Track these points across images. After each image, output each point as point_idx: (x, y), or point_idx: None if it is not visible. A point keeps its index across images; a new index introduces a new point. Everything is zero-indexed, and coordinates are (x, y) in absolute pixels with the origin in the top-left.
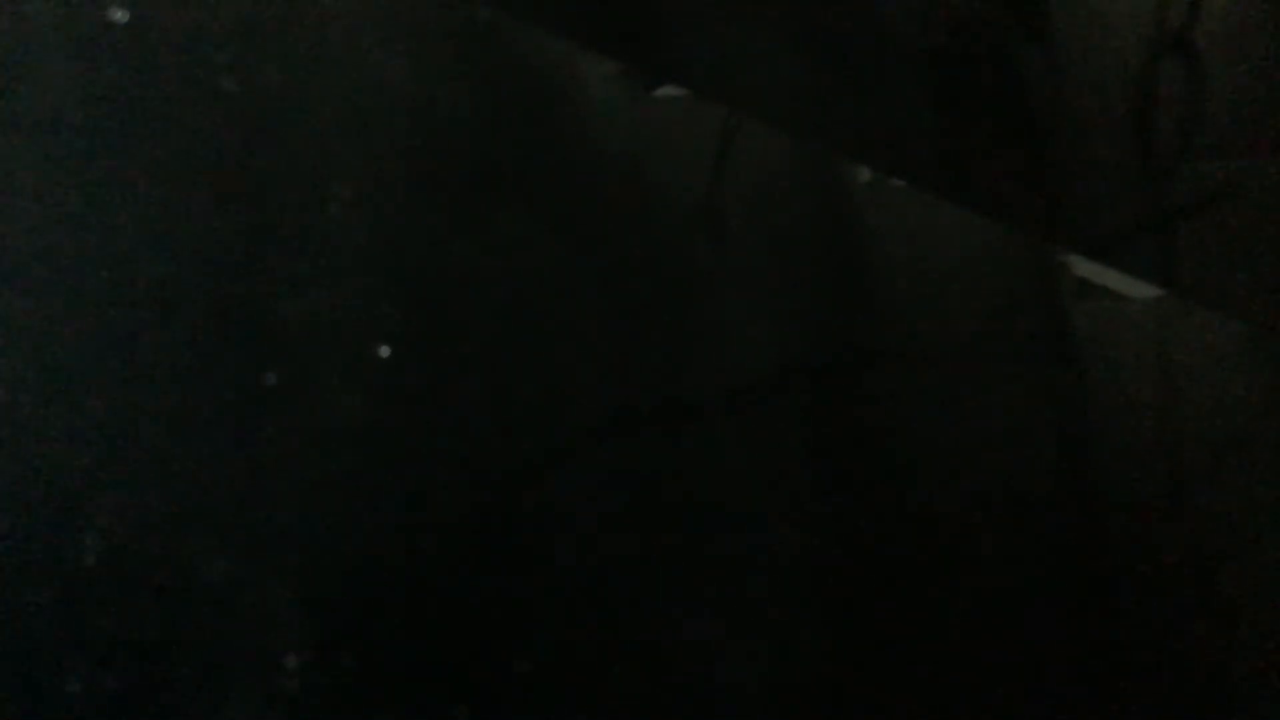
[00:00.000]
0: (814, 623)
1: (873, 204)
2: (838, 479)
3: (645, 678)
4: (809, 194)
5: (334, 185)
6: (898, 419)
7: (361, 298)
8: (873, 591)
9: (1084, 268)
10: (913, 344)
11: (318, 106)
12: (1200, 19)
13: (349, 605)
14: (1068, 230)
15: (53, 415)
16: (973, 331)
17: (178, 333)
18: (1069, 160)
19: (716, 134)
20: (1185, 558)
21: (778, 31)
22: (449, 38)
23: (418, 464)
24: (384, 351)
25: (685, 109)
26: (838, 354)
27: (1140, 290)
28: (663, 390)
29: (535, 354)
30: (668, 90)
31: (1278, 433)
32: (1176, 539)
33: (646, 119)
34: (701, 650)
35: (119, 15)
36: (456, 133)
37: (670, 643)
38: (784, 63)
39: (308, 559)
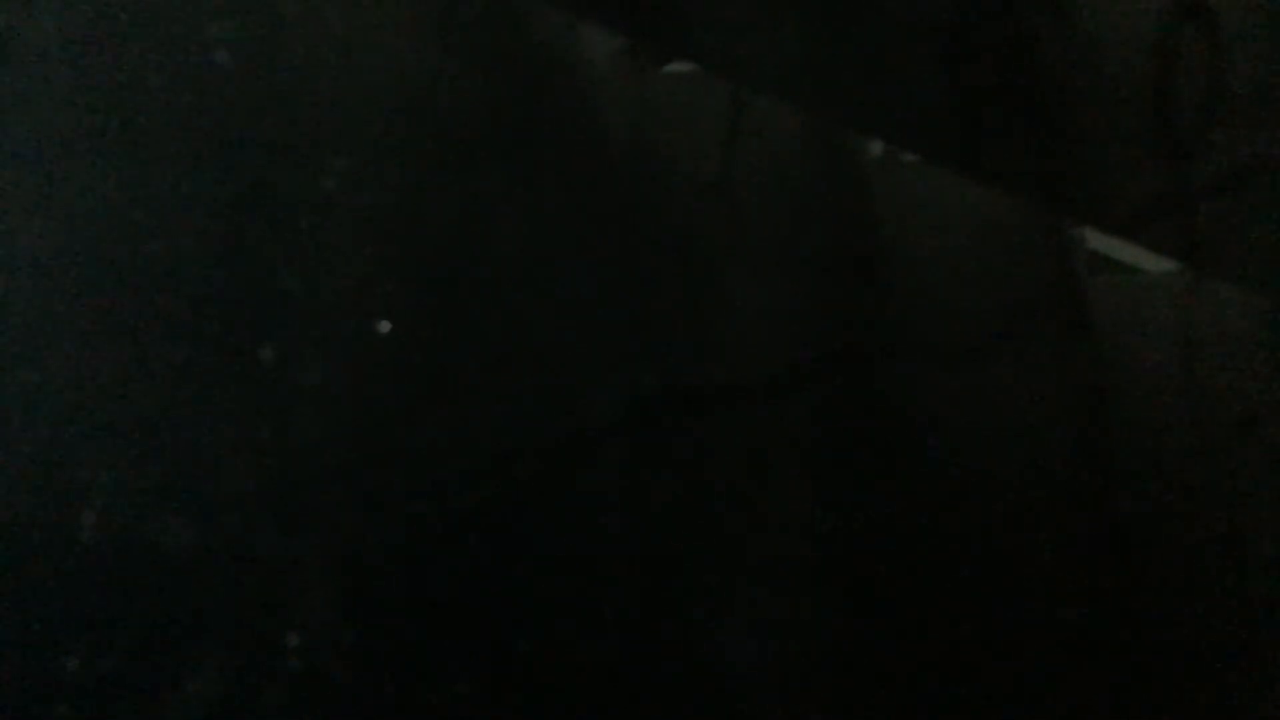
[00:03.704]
0: (835, 611)
1: (886, 179)
2: (855, 462)
3: (659, 666)
4: (821, 170)
5: (331, 159)
6: (914, 398)
7: (360, 273)
8: (895, 576)
9: (1101, 242)
10: (927, 322)
11: (315, 81)
12: None
13: (351, 583)
14: (1085, 204)
15: (48, 390)
16: (988, 307)
17: (173, 307)
18: (1086, 132)
19: (726, 110)
20: (1208, 533)
21: (787, 4)
22: (451, 10)
23: (420, 442)
24: (384, 327)
25: (694, 85)
26: (852, 332)
27: (1160, 265)
28: (674, 373)
29: (542, 335)
30: (676, 66)
31: None
32: (1199, 515)
33: (655, 95)
34: (719, 639)
35: None
36: (459, 108)
37: (687, 631)
38: (794, 36)
39: (308, 536)
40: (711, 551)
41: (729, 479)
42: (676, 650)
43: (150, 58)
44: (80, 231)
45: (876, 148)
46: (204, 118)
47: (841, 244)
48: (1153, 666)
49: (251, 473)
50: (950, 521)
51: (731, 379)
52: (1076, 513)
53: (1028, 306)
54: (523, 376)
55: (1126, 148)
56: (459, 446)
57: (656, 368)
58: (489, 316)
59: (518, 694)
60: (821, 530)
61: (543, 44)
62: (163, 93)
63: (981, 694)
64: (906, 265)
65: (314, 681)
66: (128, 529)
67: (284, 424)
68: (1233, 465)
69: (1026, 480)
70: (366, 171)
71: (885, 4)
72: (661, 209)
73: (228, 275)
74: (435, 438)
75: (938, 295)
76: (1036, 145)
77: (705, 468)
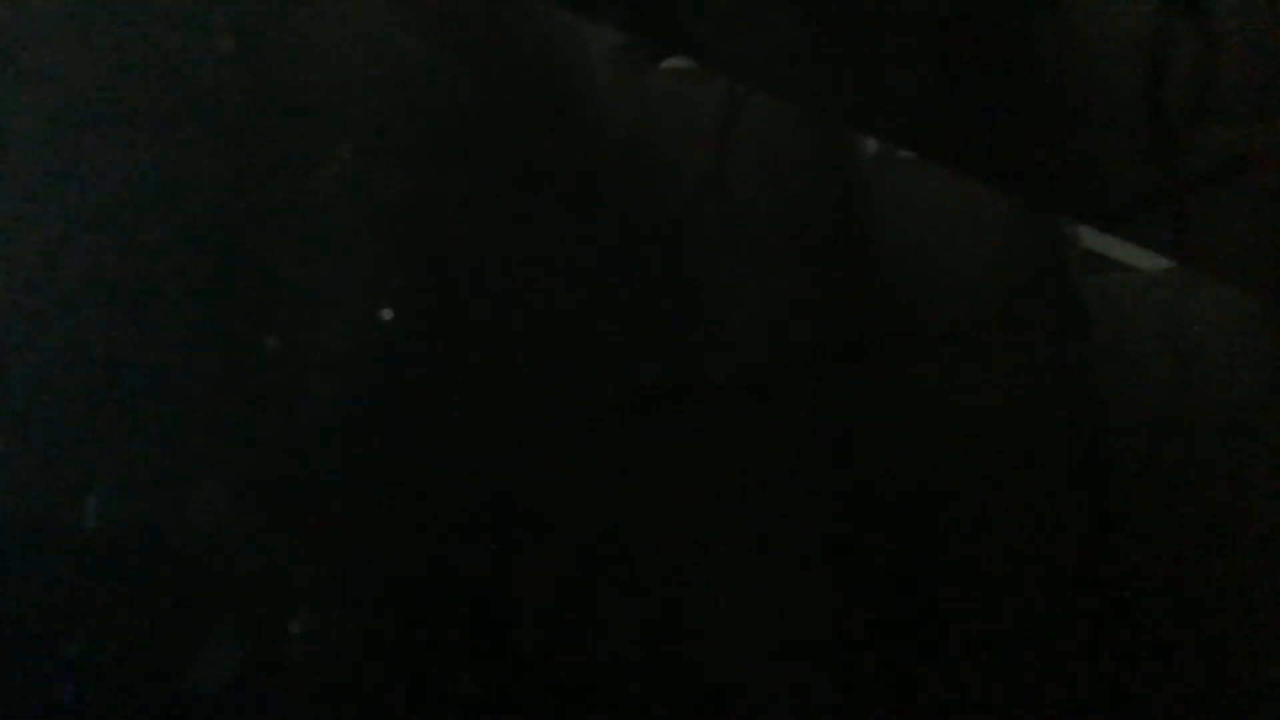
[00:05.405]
0: (828, 597)
1: (880, 175)
2: (850, 454)
3: (657, 657)
4: (816, 165)
5: (333, 148)
6: (908, 392)
7: (363, 262)
8: (887, 566)
9: (1094, 239)
10: (921, 316)
11: (318, 71)
12: None
13: (352, 570)
14: (1078, 200)
15: (53, 379)
16: (982, 303)
17: (178, 296)
18: (1079, 129)
19: (723, 105)
20: (1199, 525)
21: (784, 1)
22: (454, 7)
23: (422, 430)
24: (387, 314)
25: (692, 81)
26: (847, 327)
27: (1151, 262)
28: (672, 364)
29: (540, 327)
30: (675, 62)
31: None
32: (1189, 507)
33: (653, 91)
34: (715, 625)
35: None
36: (460, 101)
37: (685, 621)
38: (790, 33)
39: (310, 523)
40: (709, 539)
41: (726, 467)
42: (675, 641)
43: (155, 46)
44: (83, 220)
45: (872, 144)
46: (207, 105)
47: (836, 238)
48: (1145, 658)
49: (255, 461)
50: (945, 509)
51: (728, 369)
52: (1067, 502)
53: (1020, 300)
54: (522, 366)
55: (1119, 144)
56: (460, 435)
57: (654, 359)
58: (487, 308)
59: (516, 682)
60: (817, 516)
61: (542, 39)
62: (167, 80)
63: (976, 683)
64: (900, 259)
65: (316, 668)
66: (131, 516)
67: (287, 412)
68: (1224, 459)
69: (1019, 471)
70: (369, 162)
71: (880, 2)
72: (658, 203)
73: (231, 264)
74: (437, 427)
75: (931, 289)
76: (1030, 141)
77: (703, 457)
